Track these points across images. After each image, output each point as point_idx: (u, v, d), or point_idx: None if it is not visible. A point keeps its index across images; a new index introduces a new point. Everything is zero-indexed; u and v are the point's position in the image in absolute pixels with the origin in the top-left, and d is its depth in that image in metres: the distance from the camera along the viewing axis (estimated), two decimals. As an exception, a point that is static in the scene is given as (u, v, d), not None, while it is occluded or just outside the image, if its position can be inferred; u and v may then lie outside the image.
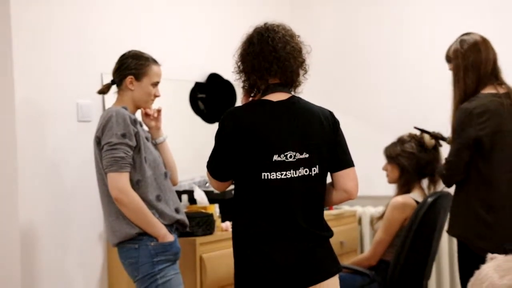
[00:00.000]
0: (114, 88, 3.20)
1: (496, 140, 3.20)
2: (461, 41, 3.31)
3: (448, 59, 3.37)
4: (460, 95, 3.26)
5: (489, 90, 3.25)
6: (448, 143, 3.72)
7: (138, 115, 3.22)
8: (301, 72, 2.57)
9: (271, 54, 2.48)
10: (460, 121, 3.22)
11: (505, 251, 1.98)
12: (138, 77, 3.13)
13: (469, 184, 3.25)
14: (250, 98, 2.60)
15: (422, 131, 3.89)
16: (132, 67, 3.13)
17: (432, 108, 4.63)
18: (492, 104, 3.21)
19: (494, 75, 3.29)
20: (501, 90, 3.27)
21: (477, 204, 3.22)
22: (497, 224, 3.19)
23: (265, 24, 2.55)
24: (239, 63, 2.57)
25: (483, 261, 1.66)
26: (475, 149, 3.21)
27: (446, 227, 3.46)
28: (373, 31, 5.04)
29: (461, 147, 3.23)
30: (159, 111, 3.28)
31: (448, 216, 3.44)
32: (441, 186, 3.80)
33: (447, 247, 4.61)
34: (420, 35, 4.86)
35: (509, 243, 2.95)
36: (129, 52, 3.19)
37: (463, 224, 3.26)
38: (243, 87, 2.61)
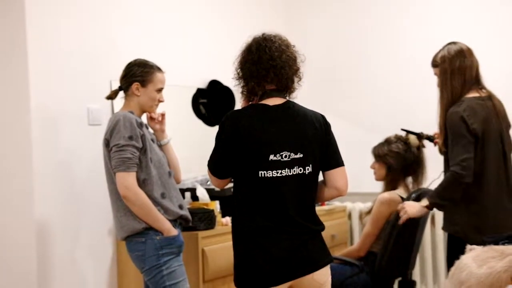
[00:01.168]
0: (121, 93, 3.20)
1: (485, 137, 3.23)
2: (448, 48, 3.35)
3: (435, 64, 3.39)
4: (448, 97, 3.29)
5: (472, 94, 3.30)
6: (432, 140, 3.73)
7: (144, 118, 3.23)
8: (296, 79, 2.57)
9: (268, 62, 2.49)
10: (456, 124, 3.21)
11: (483, 243, 1.99)
12: (143, 84, 3.12)
13: None
14: (250, 103, 2.61)
15: (408, 132, 3.90)
16: (138, 74, 3.13)
17: (416, 111, 4.64)
18: (478, 106, 3.26)
19: (476, 81, 3.33)
20: (483, 94, 3.32)
21: (472, 199, 3.22)
22: (492, 213, 3.21)
23: (263, 34, 2.56)
24: (238, 70, 2.57)
25: None
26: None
27: (442, 225, 3.44)
28: (361, 40, 5.04)
29: (466, 143, 3.19)
30: (163, 115, 3.27)
31: (443, 215, 3.42)
32: (426, 184, 3.81)
33: (429, 239, 4.62)
34: (405, 42, 4.86)
35: (488, 236, 2.96)
36: (135, 60, 3.19)
37: (460, 220, 3.25)
38: (242, 92, 2.61)
